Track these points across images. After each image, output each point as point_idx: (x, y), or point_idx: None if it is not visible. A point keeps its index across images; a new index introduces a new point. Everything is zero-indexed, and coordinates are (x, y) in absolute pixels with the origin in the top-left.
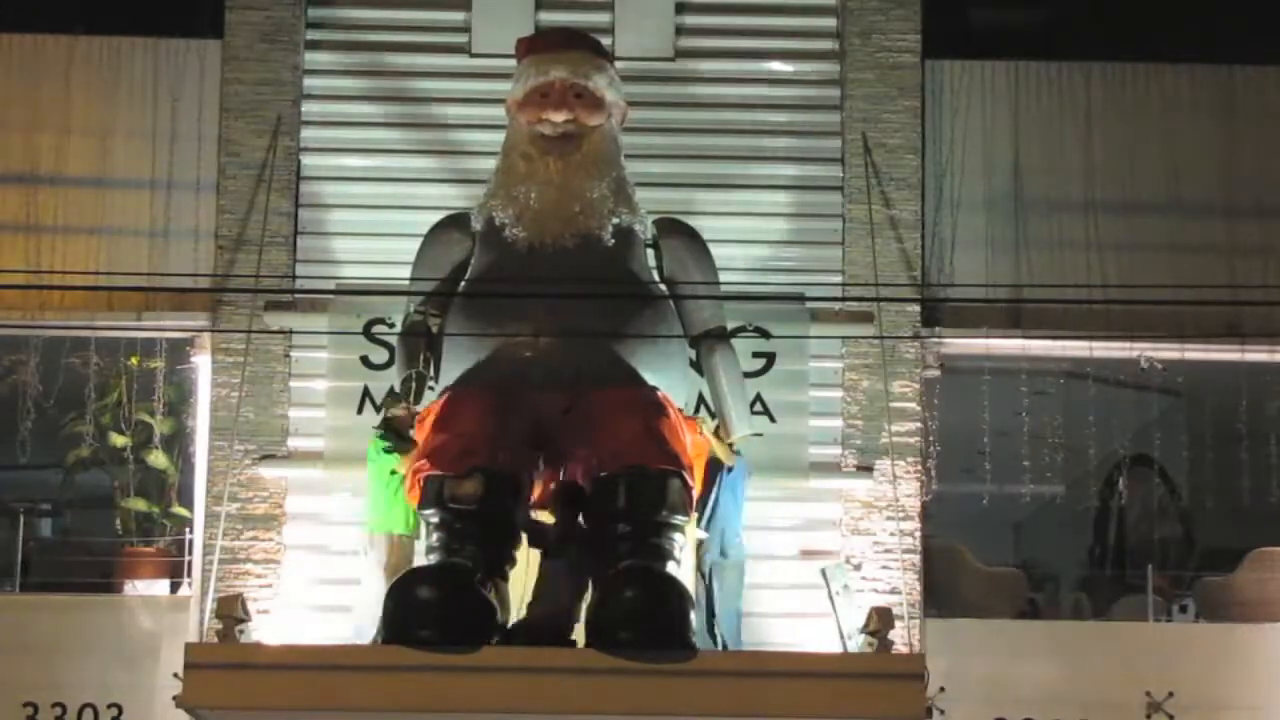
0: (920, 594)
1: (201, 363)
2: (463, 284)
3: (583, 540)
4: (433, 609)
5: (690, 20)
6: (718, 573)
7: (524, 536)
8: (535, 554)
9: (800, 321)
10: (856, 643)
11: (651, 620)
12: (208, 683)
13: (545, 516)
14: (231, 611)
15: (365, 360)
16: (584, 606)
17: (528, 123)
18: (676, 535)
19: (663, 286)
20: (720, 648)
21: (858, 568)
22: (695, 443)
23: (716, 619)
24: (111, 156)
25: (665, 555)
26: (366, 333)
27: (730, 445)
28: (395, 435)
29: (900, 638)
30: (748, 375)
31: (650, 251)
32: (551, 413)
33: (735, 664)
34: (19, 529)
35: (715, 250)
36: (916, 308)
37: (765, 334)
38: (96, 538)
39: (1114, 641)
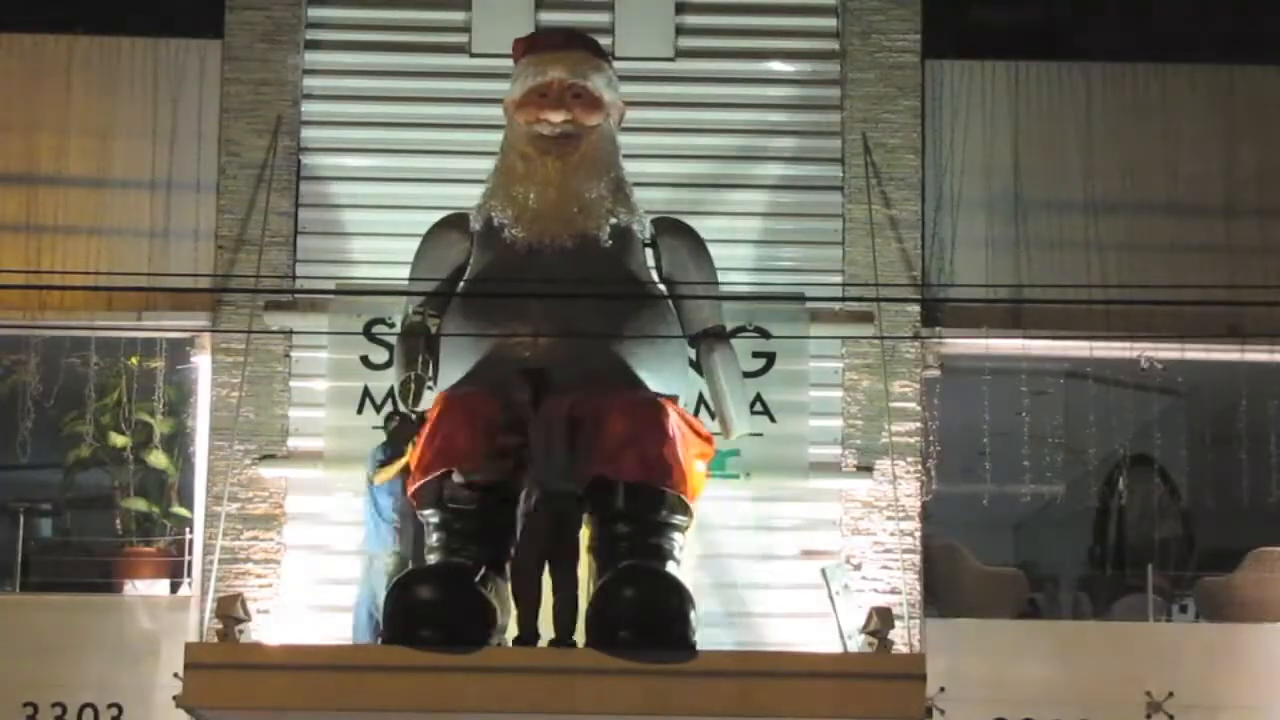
0: (920, 594)
1: (201, 363)
2: (461, 284)
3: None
4: (433, 609)
5: (690, 20)
6: None
7: None
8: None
9: (800, 321)
10: (857, 642)
11: (651, 620)
12: (208, 683)
13: None
14: (231, 611)
15: (365, 360)
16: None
17: (526, 123)
18: (676, 535)
19: (662, 287)
20: None
21: (858, 568)
22: (700, 448)
23: None
24: (112, 156)
25: (665, 555)
26: (366, 333)
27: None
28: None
29: (900, 638)
30: (748, 375)
31: (649, 251)
32: (551, 414)
33: (735, 664)
34: (19, 529)
35: (715, 250)
36: (916, 308)
37: (765, 334)
38: (97, 538)
39: (1114, 641)
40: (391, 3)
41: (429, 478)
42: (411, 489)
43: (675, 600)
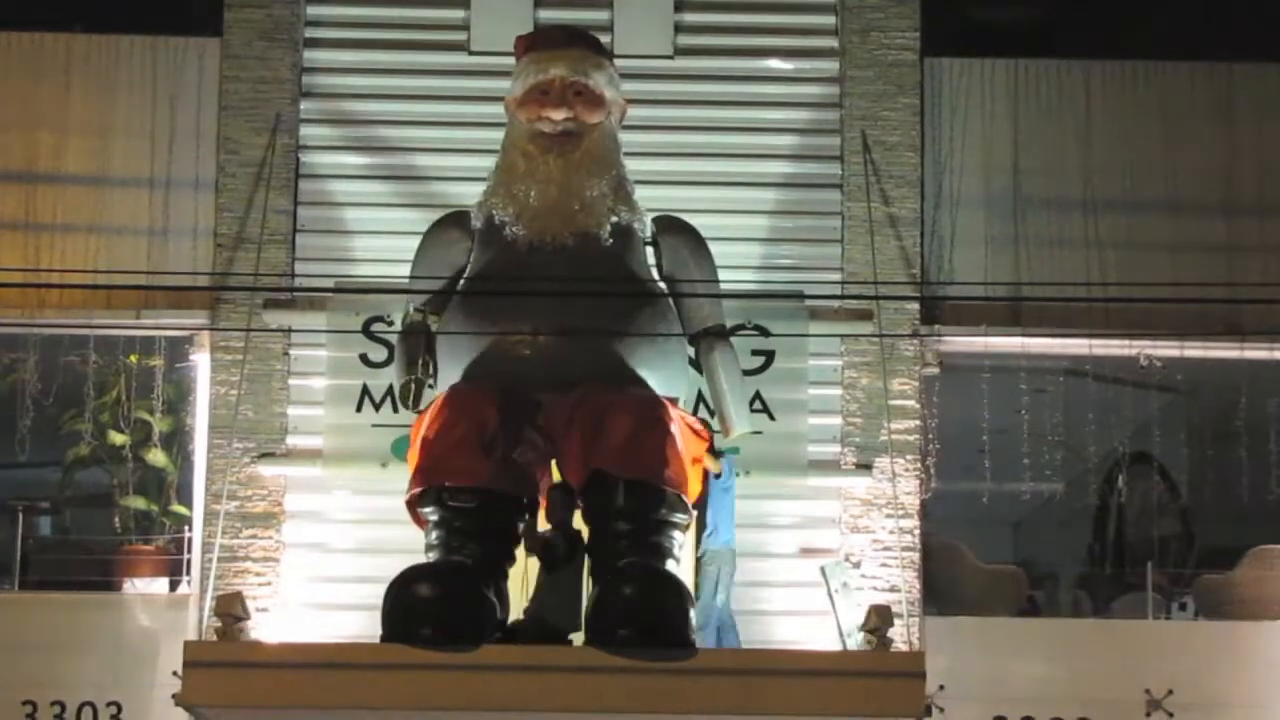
0: (920, 592)
1: (200, 361)
2: (462, 282)
3: (585, 545)
4: (432, 607)
5: (689, 18)
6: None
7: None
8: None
9: (799, 319)
10: (856, 641)
11: (651, 618)
12: (207, 681)
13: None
14: (230, 609)
15: (364, 358)
16: (584, 607)
17: (527, 120)
18: (675, 533)
19: (662, 285)
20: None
21: (857, 565)
22: (698, 449)
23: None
24: (110, 154)
25: (664, 553)
26: (365, 331)
27: (717, 454)
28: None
29: (900, 636)
30: (747, 373)
31: (650, 250)
32: (551, 412)
33: (735, 662)
34: (18, 527)
35: (714, 248)
36: (916, 305)
37: (764, 332)
38: (95, 536)
39: (1113, 639)
40: (390, 0)
41: (426, 483)
42: (409, 493)
43: (675, 599)
